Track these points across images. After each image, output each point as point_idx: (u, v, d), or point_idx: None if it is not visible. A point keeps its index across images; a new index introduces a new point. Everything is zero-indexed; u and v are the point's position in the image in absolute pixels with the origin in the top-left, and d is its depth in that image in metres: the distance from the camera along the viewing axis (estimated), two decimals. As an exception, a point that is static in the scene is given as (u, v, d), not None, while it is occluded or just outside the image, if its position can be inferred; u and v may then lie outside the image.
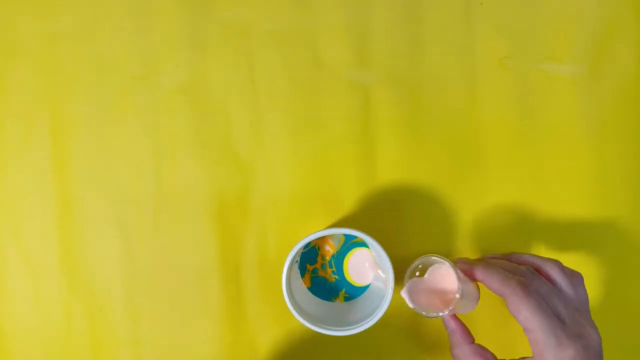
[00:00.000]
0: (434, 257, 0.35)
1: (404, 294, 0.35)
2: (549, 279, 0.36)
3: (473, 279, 0.36)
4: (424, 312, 0.35)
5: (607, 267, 0.44)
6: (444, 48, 0.44)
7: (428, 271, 0.36)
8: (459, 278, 0.34)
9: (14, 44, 0.44)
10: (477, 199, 0.44)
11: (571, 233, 0.44)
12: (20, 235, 0.44)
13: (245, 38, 0.44)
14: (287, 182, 0.44)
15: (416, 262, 0.36)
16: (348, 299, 0.43)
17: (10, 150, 0.44)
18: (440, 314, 0.34)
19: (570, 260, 0.44)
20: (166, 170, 0.44)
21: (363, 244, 0.43)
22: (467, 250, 0.44)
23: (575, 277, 0.36)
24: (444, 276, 0.35)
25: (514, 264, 0.37)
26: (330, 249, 0.43)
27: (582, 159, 0.44)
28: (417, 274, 0.36)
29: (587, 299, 0.36)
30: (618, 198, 0.44)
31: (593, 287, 0.44)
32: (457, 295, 0.34)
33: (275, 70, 0.44)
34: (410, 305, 0.35)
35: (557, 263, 0.37)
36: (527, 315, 0.33)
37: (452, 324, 0.37)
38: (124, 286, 0.44)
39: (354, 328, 0.38)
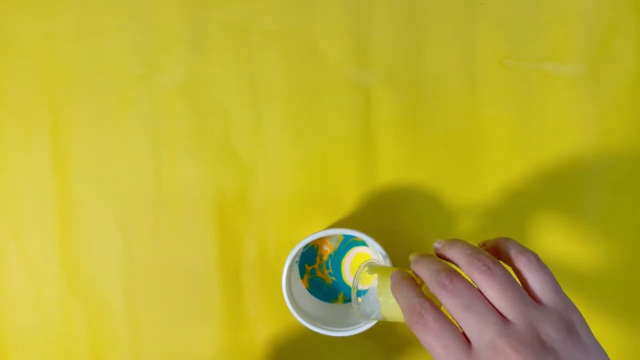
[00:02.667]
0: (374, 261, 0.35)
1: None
2: (519, 275, 0.31)
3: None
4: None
5: (608, 267, 0.44)
6: (444, 48, 0.44)
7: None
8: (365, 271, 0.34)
9: (14, 44, 0.44)
10: (477, 199, 0.44)
11: (571, 233, 0.44)
12: (20, 235, 0.44)
13: (245, 38, 0.44)
14: (287, 182, 0.44)
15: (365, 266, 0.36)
16: (347, 301, 0.43)
17: (10, 150, 0.44)
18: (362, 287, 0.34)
19: (571, 258, 0.44)
20: (166, 170, 0.44)
21: (361, 243, 0.43)
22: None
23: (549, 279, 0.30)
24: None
25: (444, 265, 0.31)
26: (327, 249, 0.43)
27: (582, 159, 0.44)
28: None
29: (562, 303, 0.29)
30: (618, 198, 0.44)
31: (593, 286, 0.44)
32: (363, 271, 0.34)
33: (275, 70, 0.44)
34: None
35: (533, 257, 0.31)
36: (428, 350, 0.29)
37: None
38: (124, 286, 0.44)
39: (353, 328, 0.38)
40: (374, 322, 0.37)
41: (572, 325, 0.28)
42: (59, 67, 0.44)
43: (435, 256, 0.33)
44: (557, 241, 0.44)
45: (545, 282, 0.29)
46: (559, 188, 0.44)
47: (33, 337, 0.44)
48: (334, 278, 0.43)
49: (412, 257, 0.34)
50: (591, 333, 0.28)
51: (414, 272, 0.33)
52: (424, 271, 0.31)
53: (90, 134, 0.44)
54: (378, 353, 0.44)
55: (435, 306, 0.29)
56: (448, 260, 0.32)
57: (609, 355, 0.28)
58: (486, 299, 0.28)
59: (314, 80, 0.44)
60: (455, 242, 0.32)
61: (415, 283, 0.32)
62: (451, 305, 0.28)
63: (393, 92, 0.44)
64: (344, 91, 0.44)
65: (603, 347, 0.28)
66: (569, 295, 0.29)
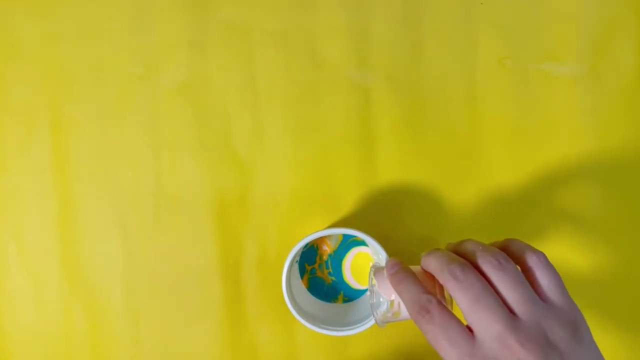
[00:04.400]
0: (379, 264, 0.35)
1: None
2: (527, 272, 0.31)
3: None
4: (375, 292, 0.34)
5: (607, 266, 0.44)
6: (444, 48, 0.44)
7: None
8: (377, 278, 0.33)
9: (14, 44, 0.44)
10: (477, 199, 0.44)
11: (571, 233, 0.44)
12: (20, 235, 0.44)
13: (245, 38, 0.44)
14: (287, 182, 0.44)
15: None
16: (347, 301, 0.43)
17: (10, 150, 0.44)
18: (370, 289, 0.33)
19: (570, 259, 0.44)
20: (166, 170, 0.44)
21: (361, 243, 0.43)
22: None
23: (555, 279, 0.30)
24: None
25: (456, 257, 0.31)
26: (327, 249, 0.43)
27: (582, 159, 0.44)
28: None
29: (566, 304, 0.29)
30: (619, 198, 0.44)
31: (592, 285, 0.44)
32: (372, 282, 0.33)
33: (275, 70, 0.44)
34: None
35: (541, 257, 0.31)
36: (433, 344, 0.29)
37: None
38: (124, 286, 0.44)
39: (353, 328, 0.38)
40: (374, 321, 0.37)
41: (576, 326, 0.28)
42: (59, 67, 0.44)
43: (446, 250, 0.33)
44: (557, 241, 0.44)
45: (553, 282, 0.30)
46: (558, 188, 0.44)
47: (33, 337, 0.44)
48: (333, 278, 0.43)
49: (423, 254, 0.33)
50: (592, 336, 0.29)
51: (423, 267, 0.33)
52: (434, 262, 0.31)
53: (90, 134, 0.44)
54: (378, 353, 0.44)
55: (440, 301, 0.29)
56: (459, 255, 0.32)
57: (607, 357, 0.29)
58: (496, 293, 0.29)
59: (314, 80, 0.44)
60: (467, 240, 0.33)
61: (416, 277, 0.32)
62: (461, 296, 0.28)
63: (393, 92, 0.44)
64: (343, 91, 0.44)
65: (600, 345, 0.29)
66: (570, 293, 0.30)
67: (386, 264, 0.34)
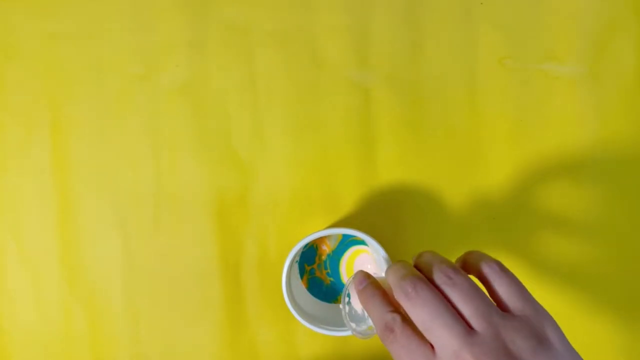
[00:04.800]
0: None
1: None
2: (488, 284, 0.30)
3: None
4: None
5: (607, 266, 0.44)
6: (444, 48, 0.44)
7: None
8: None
9: (14, 44, 0.44)
10: (477, 199, 0.44)
11: (572, 233, 0.44)
12: (20, 235, 0.44)
13: (245, 38, 0.44)
14: (287, 182, 0.44)
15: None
16: (347, 301, 0.43)
17: (10, 150, 0.44)
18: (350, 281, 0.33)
19: (570, 259, 0.44)
20: (166, 170, 0.44)
21: (360, 242, 0.43)
22: (467, 249, 0.44)
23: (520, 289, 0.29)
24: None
25: (410, 270, 0.31)
26: (326, 248, 0.43)
27: (583, 159, 0.44)
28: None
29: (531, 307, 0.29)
30: (619, 198, 0.44)
31: (592, 286, 0.44)
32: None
33: (275, 70, 0.44)
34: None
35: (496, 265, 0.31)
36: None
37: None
38: (124, 286, 0.44)
39: (353, 328, 0.37)
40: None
41: (542, 334, 0.27)
42: (59, 67, 0.44)
43: (409, 263, 0.32)
44: (557, 241, 0.44)
45: (511, 288, 0.29)
46: (558, 188, 0.44)
47: (33, 337, 0.44)
48: (332, 278, 0.43)
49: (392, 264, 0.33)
50: (565, 339, 0.27)
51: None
52: (391, 278, 0.31)
53: (90, 134, 0.44)
54: (378, 353, 0.44)
55: (405, 319, 0.29)
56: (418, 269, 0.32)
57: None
58: (453, 308, 0.28)
59: (314, 80, 0.44)
60: (423, 253, 0.32)
61: (385, 293, 0.31)
62: (415, 315, 0.28)
63: (393, 92, 0.44)
64: (344, 91, 0.44)
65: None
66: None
67: (354, 278, 0.33)
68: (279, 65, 0.44)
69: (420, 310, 0.28)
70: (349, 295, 0.35)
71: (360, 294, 0.32)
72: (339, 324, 0.39)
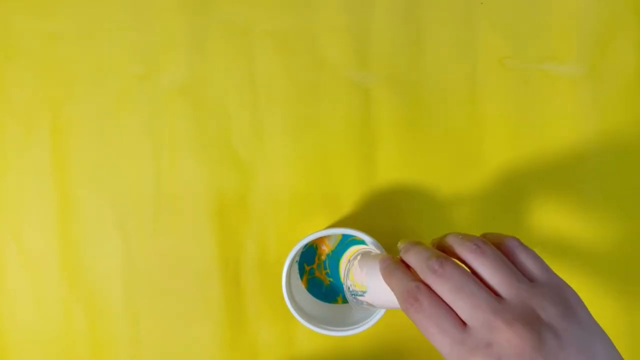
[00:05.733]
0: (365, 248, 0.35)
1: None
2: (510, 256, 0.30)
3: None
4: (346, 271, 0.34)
5: (607, 266, 0.44)
6: (444, 48, 0.44)
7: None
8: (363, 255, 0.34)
9: (14, 44, 0.44)
10: (477, 199, 0.44)
11: (571, 232, 0.44)
12: (20, 235, 0.44)
13: (245, 38, 0.44)
14: (287, 182, 0.44)
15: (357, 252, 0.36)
16: (347, 302, 0.43)
17: (10, 150, 0.44)
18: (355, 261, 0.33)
19: (571, 259, 0.44)
20: (166, 170, 0.44)
21: (359, 242, 0.43)
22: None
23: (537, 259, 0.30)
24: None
25: (434, 251, 0.31)
26: (325, 248, 0.43)
27: (583, 159, 0.44)
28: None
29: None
30: (619, 198, 0.44)
31: (592, 286, 0.44)
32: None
33: (275, 70, 0.44)
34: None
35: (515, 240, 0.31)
36: (423, 333, 0.28)
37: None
38: (124, 286, 0.44)
39: (353, 328, 0.38)
40: (374, 321, 0.37)
41: (568, 302, 0.27)
42: (59, 67, 0.44)
43: (425, 244, 0.32)
44: (558, 241, 0.44)
45: (536, 260, 0.29)
46: (558, 188, 0.44)
47: (33, 337, 0.44)
48: (331, 279, 0.43)
49: (401, 245, 0.33)
50: (589, 313, 0.27)
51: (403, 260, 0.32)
52: (413, 258, 0.31)
53: (90, 134, 0.44)
54: (378, 353, 0.44)
55: (430, 289, 0.29)
56: (441, 250, 0.32)
57: (609, 333, 0.27)
58: (479, 279, 0.28)
59: (314, 80, 0.44)
60: (448, 234, 0.32)
61: (407, 268, 0.31)
62: (442, 289, 0.28)
63: (393, 92, 0.44)
64: (344, 91, 0.44)
65: (600, 326, 0.27)
66: (573, 285, 0.29)
67: (362, 255, 0.34)
68: (279, 65, 0.44)
69: (448, 283, 0.28)
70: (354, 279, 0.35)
71: (384, 271, 0.32)
72: (339, 324, 0.39)
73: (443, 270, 0.28)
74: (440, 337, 0.27)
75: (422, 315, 0.28)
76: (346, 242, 0.43)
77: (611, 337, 0.27)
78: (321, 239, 0.43)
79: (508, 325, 0.26)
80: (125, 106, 0.44)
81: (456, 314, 0.28)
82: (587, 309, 0.28)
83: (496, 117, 0.44)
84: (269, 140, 0.44)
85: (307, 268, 0.43)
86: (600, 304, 0.44)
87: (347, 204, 0.44)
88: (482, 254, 0.29)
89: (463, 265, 0.29)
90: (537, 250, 0.43)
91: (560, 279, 0.29)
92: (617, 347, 0.27)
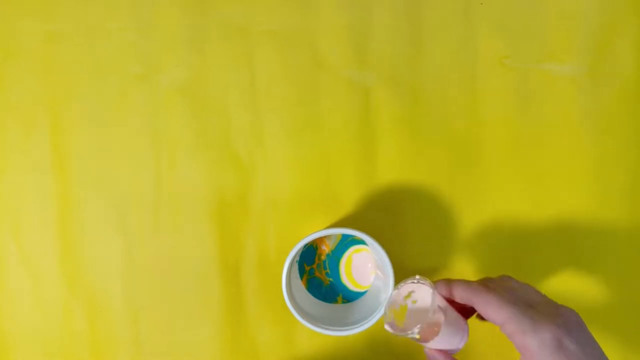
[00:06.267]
0: (412, 282, 0.34)
1: (386, 322, 0.34)
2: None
3: (452, 301, 0.35)
4: (401, 333, 0.33)
5: (606, 264, 0.44)
6: (444, 48, 0.44)
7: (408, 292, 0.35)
8: (434, 297, 0.33)
9: (14, 44, 0.44)
10: (476, 199, 0.44)
11: (571, 232, 0.44)
12: (20, 235, 0.44)
13: (245, 38, 0.44)
14: (287, 182, 0.44)
15: (397, 290, 0.35)
16: (346, 302, 0.43)
17: (10, 150, 0.44)
18: (416, 330, 0.32)
19: (570, 257, 0.44)
20: (166, 170, 0.44)
21: (359, 242, 0.43)
22: (466, 250, 0.44)
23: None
24: (425, 297, 0.34)
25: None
26: (325, 248, 0.43)
27: (583, 159, 0.44)
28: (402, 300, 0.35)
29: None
30: (618, 198, 0.44)
31: (592, 286, 0.44)
32: (431, 312, 0.32)
33: (275, 70, 0.44)
34: (388, 328, 0.33)
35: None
36: (494, 309, 0.31)
37: (438, 356, 0.35)
38: (124, 286, 0.44)
39: (353, 328, 0.38)
40: (374, 321, 0.37)
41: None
42: (59, 67, 0.44)
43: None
44: (557, 239, 0.44)
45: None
46: (557, 187, 0.44)
47: (33, 336, 0.44)
48: (331, 279, 0.43)
49: (450, 284, 0.35)
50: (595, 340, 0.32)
51: (453, 297, 0.34)
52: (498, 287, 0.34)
53: (90, 134, 0.44)
54: (378, 353, 0.44)
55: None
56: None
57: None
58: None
59: (314, 80, 0.44)
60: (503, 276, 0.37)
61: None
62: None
63: (393, 92, 0.44)
64: (344, 91, 0.44)
65: (594, 318, 0.29)
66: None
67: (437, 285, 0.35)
68: (279, 64, 0.44)
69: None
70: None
71: (464, 292, 0.34)
72: (338, 324, 0.39)
73: (499, 279, 0.36)
74: (516, 307, 0.32)
75: (499, 290, 0.33)
76: (346, 241, 0.43)
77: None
78: (321, 239, 0.43)
79: (564, 307, 0.33)
80: (125, 106, 0.44)
81: None
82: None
83: (496, 116, 0.44)
84: (269, 140, 0.44)
85: (307, 268, 0.43)
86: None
87: (347, 204, 0.44)
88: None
89: None
90: (539, 246, 0.43)
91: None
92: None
